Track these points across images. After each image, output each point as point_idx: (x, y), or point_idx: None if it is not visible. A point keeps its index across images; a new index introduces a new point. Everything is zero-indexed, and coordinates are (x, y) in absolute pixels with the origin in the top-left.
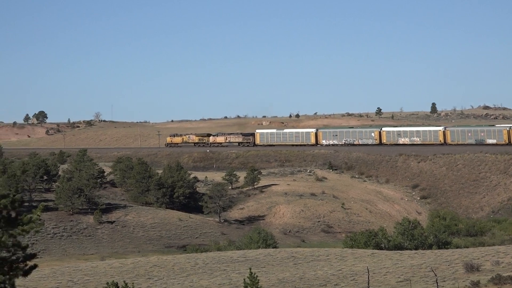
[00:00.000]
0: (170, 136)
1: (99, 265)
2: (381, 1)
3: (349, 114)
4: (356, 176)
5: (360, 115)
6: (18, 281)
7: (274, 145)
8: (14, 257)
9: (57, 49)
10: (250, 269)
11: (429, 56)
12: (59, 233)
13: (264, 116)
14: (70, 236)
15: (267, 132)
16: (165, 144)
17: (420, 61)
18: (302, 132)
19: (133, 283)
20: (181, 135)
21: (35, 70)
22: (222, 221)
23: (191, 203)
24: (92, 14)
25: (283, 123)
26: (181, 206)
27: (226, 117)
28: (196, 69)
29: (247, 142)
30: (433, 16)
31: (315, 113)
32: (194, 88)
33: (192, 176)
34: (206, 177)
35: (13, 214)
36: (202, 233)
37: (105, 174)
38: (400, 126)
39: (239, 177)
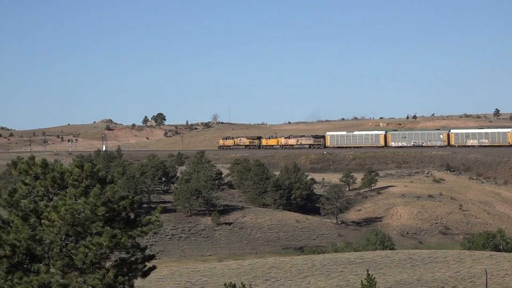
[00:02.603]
0: (223, 139)
1: (217, 266)
2: None
3: (466, 116)
4: (474, 177)
5: (478, 116)
6: (137, 282)
7: (344, 147)
8: (133, 258)
9: (175, 52)
10: (368, 270)
11: None
12: (177, 234)
13: (381, 118)
14: (188, 237)
15: (337, 135)
16: (218, 147)
17: None
18: (372, 134)
19: (250, 285)
20: (232, 138)
21: (153, 73)
22: (339, 222)
23: (308, 204)
24: (215, 18)
25: (400, 124)
26: (298, 208)
27: (343, 119)
28: (312, 70)
29: (317, 144)
30: None
31: (433, 114)
32: (313, 89)
33: (309, 177)
34: (323, 178)
35: (132, 216)
36: (319, 235)
37: (223, 175)
38: (469, 128)
39: (356, 178)
